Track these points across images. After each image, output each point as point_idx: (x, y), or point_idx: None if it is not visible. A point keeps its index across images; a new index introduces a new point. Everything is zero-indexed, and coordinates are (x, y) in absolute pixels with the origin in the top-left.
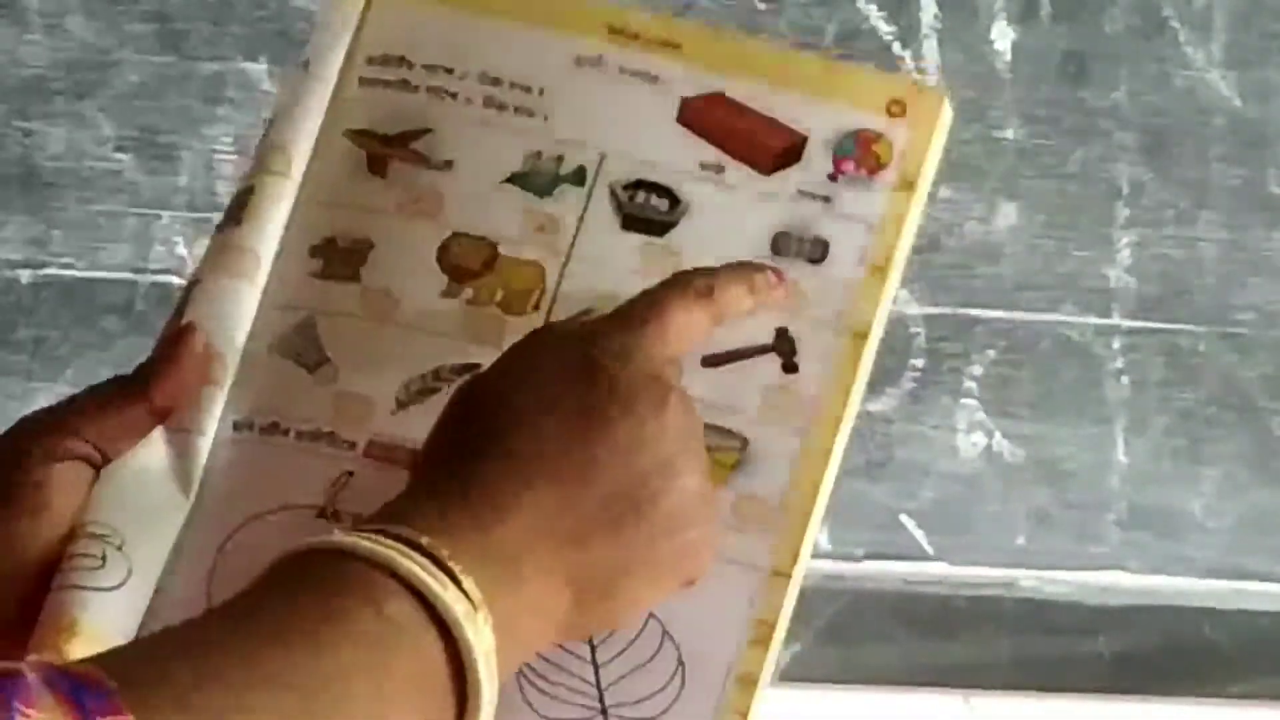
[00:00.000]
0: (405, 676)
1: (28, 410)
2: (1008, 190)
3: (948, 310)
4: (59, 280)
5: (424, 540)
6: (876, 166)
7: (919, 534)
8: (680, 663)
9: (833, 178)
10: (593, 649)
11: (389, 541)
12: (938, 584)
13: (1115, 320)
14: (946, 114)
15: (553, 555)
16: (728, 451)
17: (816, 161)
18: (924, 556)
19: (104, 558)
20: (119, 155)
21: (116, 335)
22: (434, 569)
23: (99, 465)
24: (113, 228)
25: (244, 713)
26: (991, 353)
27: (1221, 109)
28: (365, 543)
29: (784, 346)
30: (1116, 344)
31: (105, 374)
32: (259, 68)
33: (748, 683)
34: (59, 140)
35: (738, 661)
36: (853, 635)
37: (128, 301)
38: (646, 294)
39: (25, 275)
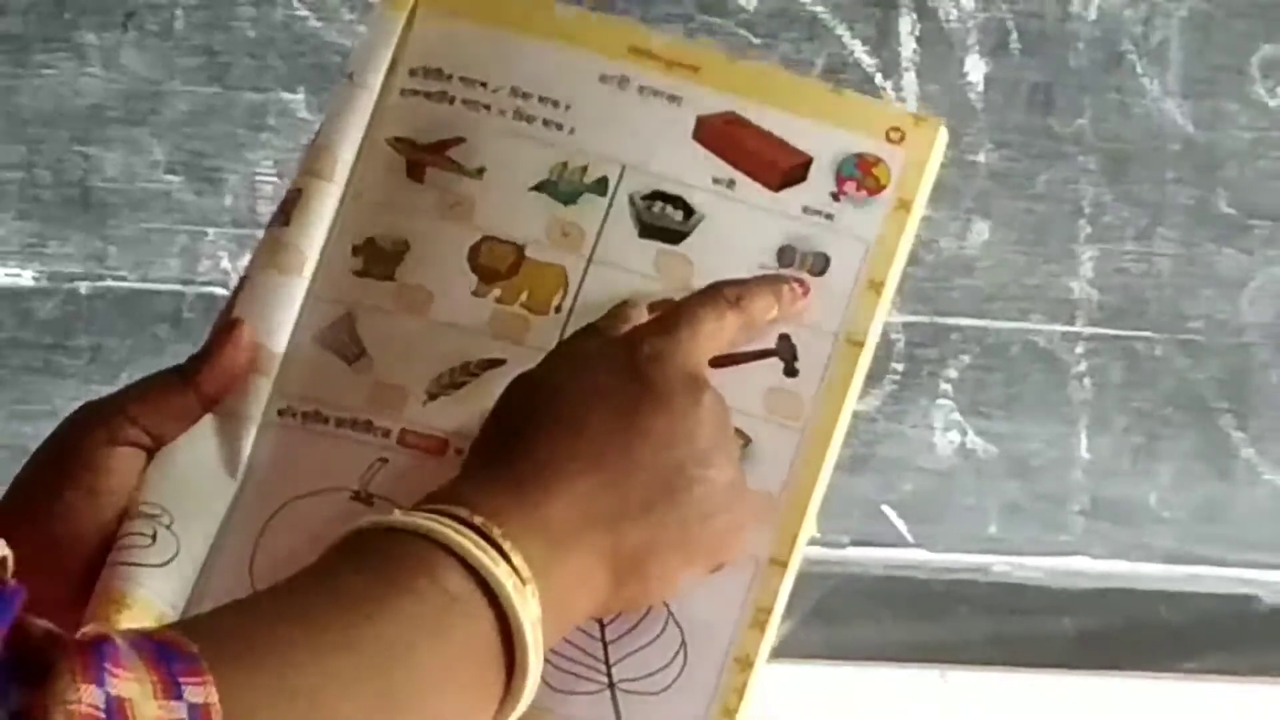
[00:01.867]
0: (462, 642)
1: None
2: (981, 209)
3: (925, 319)
4: (114, 292)
5: (477, 520)
6: (876, 188)
7: (900, 523)
8: (683, 643)
9: (835, 196)
10: (602, 628)
11: (446, 520)
12: (917, 569)
13: (1079, 328)
14: (942, 141)
15: (594, 535)
16: None
17: (820, 181)
18: (904, 544)
19: (154, 536)
20: (169, 177)
21: (167, 342)
22: (486, 545)
23: (152, 449)
24: (163, 244)
25: (319, 674)
26: (966, 358)
27: (1176, 135)
28: (425, 521)
29: (786, 351)
30: (1080, 349)
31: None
32: (297, 98)
33: (745, 664)
34: (115, 164)
35: (736, 643)
36: (839, 615)
37: (177, 311)
38: (684, 302)
39: (84, 287)
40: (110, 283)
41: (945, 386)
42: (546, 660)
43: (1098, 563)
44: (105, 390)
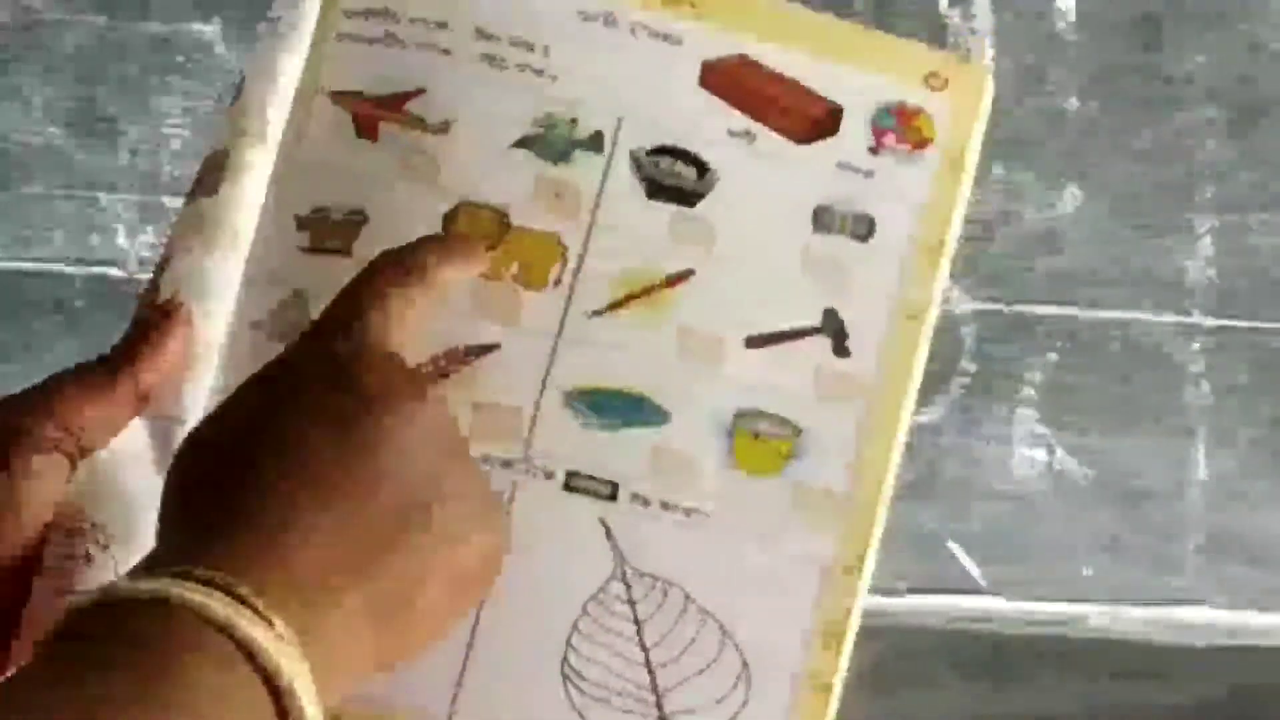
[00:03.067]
0: None
1: None
2: (1071, 171)
3: (1002, 307)
4: None
5: (220, 579)
6: (920, 141)
7: (969, 563)
8: (744, 666)
9: (874, 151)
10: (646, 651)
11: (190, 585)
12: (990, 621)
13: (1195, 319)
14: (990, 88)
15: (348, 583)
16: (780, 439)
17: (855, 133)
18: (976, 590)
19: (89, 556)
20: (52, 130)
21: (49, 337)
22: (252, 615)
23: (76, 456)
24: (44, 214)
25: None
26: (1053, 356)
27: None
28: (169, 589)
29: (832, 327)
30: (1197, 345)
31: (37, 380)
32: (211, 29)
33: (821, 689)
34: None
35: (807, 665)
36: (894, 680)
37: (62, 298)
38: (354, 285)
39: None
40: None
41: (1027, 392)
42: (581, 691)
43: (1219, 613)
44: None
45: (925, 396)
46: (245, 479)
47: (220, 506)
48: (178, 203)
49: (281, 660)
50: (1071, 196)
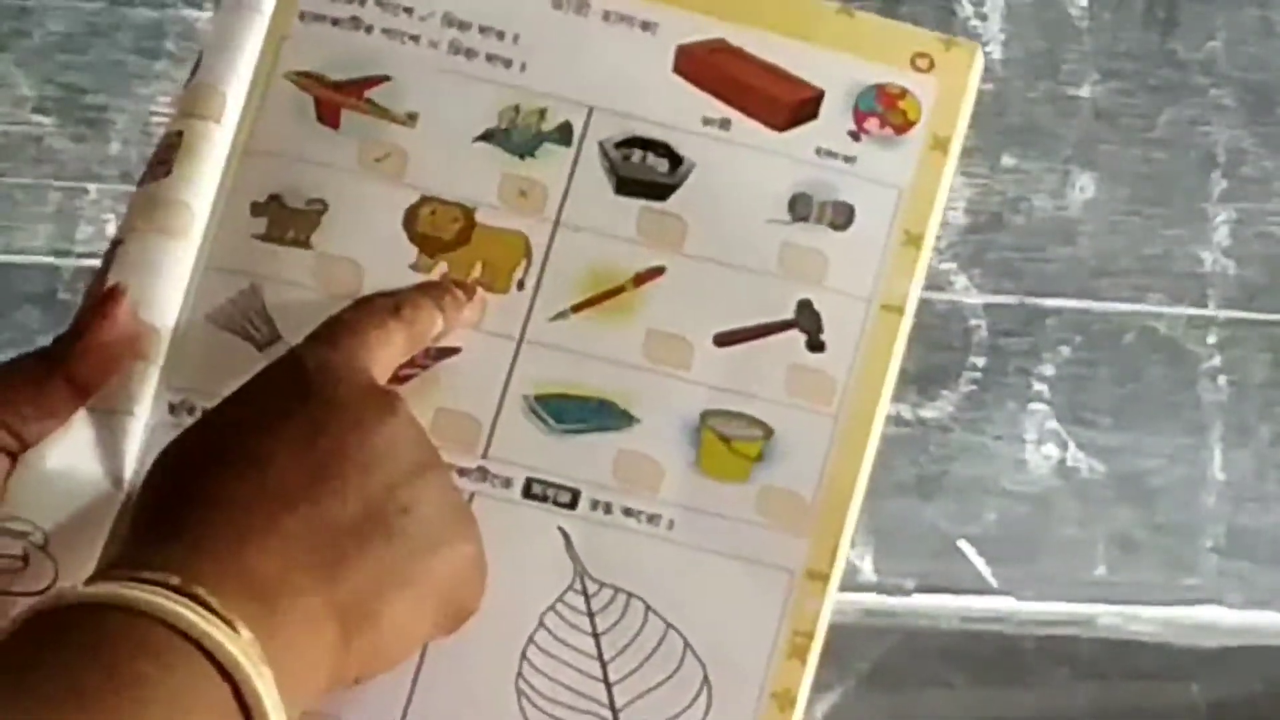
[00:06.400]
0: None
1: None
2: (1084, 158)
3: (1014, 300)
4: None
5: (175, 582)
6: (904, 124)
7: (980, 563)
8: (705, 680)
9: (855, 136)
10: (604, 664)
11: (147, 588)
12: (1002, 621)
13: (1211, 311)
14: (979, 67)
15: (307, 583)
16: (749, 441)
17: (835, 118)
18: (986, 589)
19: (25, 558)
20: (38, 119)
21: (35, 329)
22: (205, 613)
23: (14, 452)
24: (31, 204)
25: None
26: (1065, 349)
27: None
28: (126, 591)
29: (807, 322)
30: (1212, 339)
31: None
32: (201, 14)
33: (785, 700)
34: None
35: (772, 677)
36: (902, 681)
37: (49, 289)
38: (334, 318)
39: None
40: None
41: (1039, 387)
42: (535, 706)
43: (1234, 613)
44: None
45: (934, 392)
46: (207, 487)
47: (181, 516)
48: None
49: (240, 658)
50: (1084, 186)
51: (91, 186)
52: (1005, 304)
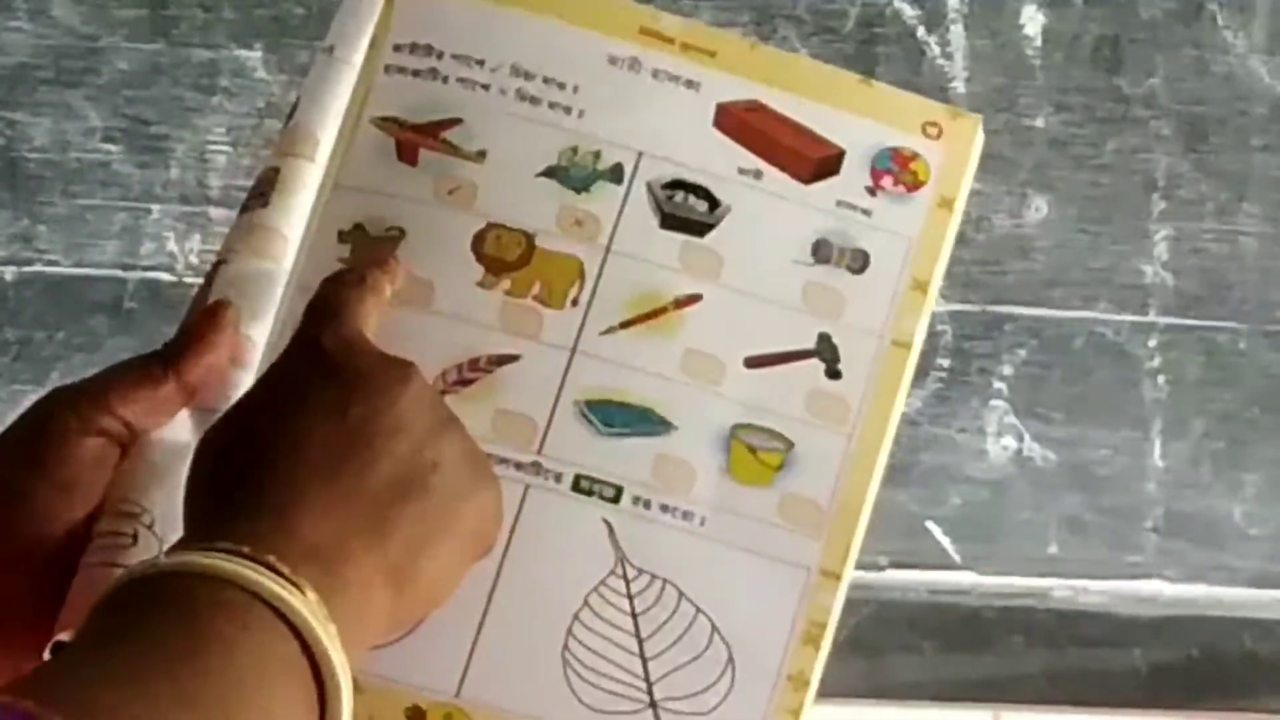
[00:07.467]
0: (285, 688)
1: (12, 415)
2: (1038, 182)
3: (976, 307)
4: (44, 278)
5: (248, 551)
6: (915, 184)
7: (946, 541)
8: (730, 660)
9: (872, 191)
10: (640, 641)
11: (223, 556)
12: (965, 594)
13: (1152, 318)
14: (980, 137)
15: (359, 545)
16: (772, 452)
17: (855, 174)
18: (951, 565)
19: (135, 536)
20: (107, 147)
21: (104, 335)
22: (281, 579)
23: (127, 442)
24: (100, 223)
25: None
26: (1022, 352)
27: (1263, 96)
28: (205, 560)
29: (826, 352)
30: (1153, 342)
31: (93, 373)
32: (253, 55)
33: (799, 682)
34: (44, 132)
35: (788, 661)
36: (876, 647)
37: (116, 300)
38: (320, 297)
39: (9, 273)
40: (40, 267)
41: (998, 385)
42: (578, 675)
43: (1173, 587)
44: (34, 391)
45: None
46: (255, 468)
47: (235, 495)
48: (221, 213)
49: (309, 618)
50: (1039, 206)
51: (154, 207)
52: (969, 311)
